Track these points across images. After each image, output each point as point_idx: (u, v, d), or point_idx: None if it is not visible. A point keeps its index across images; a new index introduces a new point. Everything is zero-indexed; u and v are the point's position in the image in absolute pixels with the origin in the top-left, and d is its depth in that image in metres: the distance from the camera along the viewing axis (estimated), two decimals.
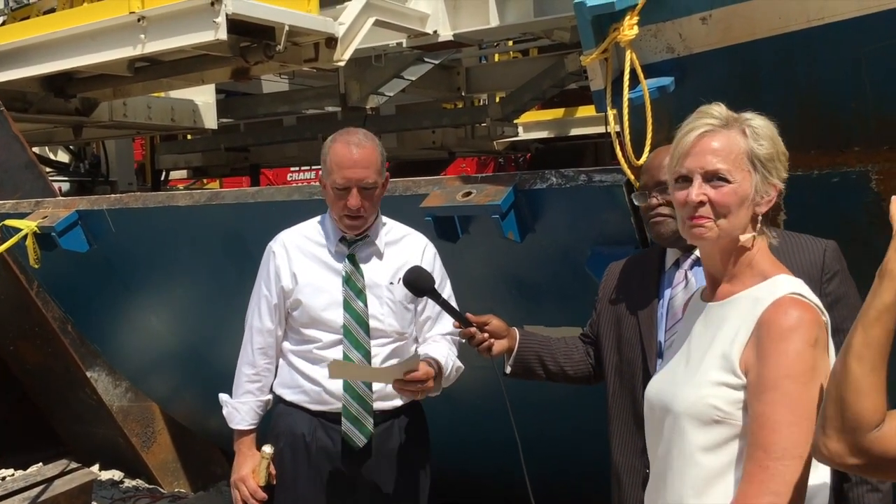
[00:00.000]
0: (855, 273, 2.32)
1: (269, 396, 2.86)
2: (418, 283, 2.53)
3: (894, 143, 2.63)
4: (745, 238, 1.68)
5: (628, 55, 2.70)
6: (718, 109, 1.73)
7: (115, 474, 6.19)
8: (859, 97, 2.60)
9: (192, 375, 5.26)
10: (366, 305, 2.71)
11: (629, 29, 2.67)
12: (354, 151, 2.64)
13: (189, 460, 6.13)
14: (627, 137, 2.71)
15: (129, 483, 6.10)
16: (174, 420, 6.03)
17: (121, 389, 5.98)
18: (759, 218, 1.70)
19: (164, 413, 6.05)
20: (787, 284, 1.63)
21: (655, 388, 1.79)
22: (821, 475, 1.63)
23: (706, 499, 1.61)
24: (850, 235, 2.54)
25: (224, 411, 2.85)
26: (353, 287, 2.71)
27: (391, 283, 2.75)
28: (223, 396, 2.87)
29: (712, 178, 1.67)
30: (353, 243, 2.76)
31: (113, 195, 5.06)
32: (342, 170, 2.63)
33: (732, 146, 1.68)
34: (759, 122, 1.71)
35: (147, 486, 6.03)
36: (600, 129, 8.21)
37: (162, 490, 5.93)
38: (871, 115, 2.62)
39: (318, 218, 2.86)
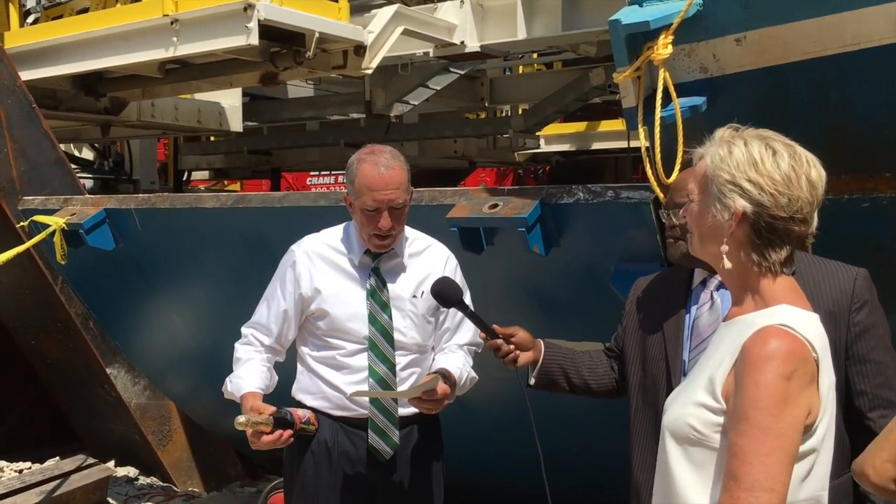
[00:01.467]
0: (883, 299, 2.32)
1: (271, 369, 2.80)
2: (446, 293, 2.55)
3: None
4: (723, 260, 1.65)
5: (661, 74, 2.72)
6: (720, 132, 1.72)
7: (131, 471, 6.23)
8: (892, 123, 2.61)
9: (210, 376, 5.27)
10: (391, 318, 2.73)
11: (663, 48, 2.69)
12: (384, 173, 2.63)
13: (203, 460, 6.16)
14: (658, 155, 2.72)
15: (143, 480, 6.13)
16: (190, 419, 6.06)
17: (139, 387, 6.01)
18: (749, 242, 1.62)
19: (181, 412, 6.08)
20: (783, 315, 1.59)
21: (668, 399, 1.81)
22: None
23: None
24: (879, 261, 2.55)
25: (229, 389, 2.77)
26: (379, 300, 2.73)
27: (414, 297, 2.77)
28: (226, 381, 2.82)
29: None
30: (378, 256, 2.78)
31: (141, 195, 5.11)
32: (372, 192, 2.63)
33: (700, 168, 1.70)
34: (735, 145, 1.63)
35: (161, 483, 6.06)
36: (622, 144, 8.24)
37: (175, 488, 5.96)
38: None
39: (342, 226, 2.87)
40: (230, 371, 2.86)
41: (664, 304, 2.43)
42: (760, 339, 1.55)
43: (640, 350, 2.45)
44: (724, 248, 1.64)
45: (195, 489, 6.01)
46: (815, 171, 1.62)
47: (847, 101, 2.66)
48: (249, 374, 2.75)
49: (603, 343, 2.70)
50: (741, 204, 1.60)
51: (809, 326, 1.60)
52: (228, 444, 6.10)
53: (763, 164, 1.60)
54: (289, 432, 2.60)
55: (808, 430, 1.55)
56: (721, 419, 1.58)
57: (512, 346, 2.47)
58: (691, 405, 1.62)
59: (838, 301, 2.15)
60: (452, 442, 2.98)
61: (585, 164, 9.35)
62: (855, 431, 2.18)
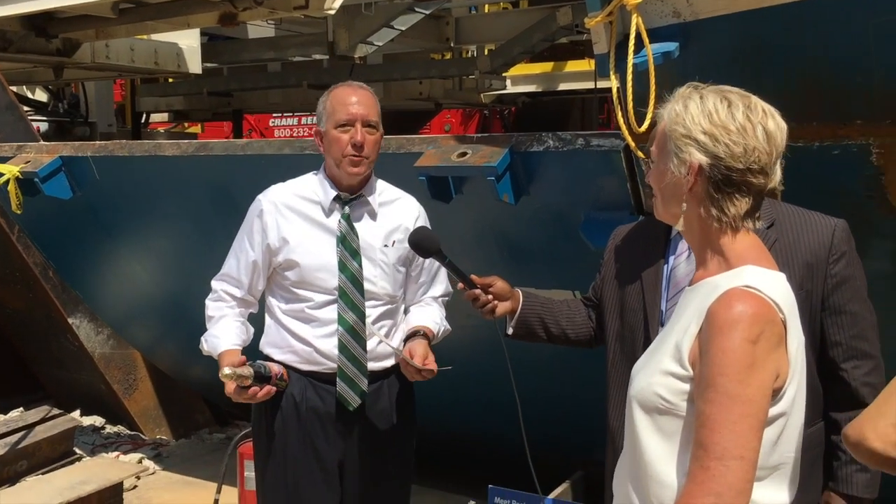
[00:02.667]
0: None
1: (246, 322, 2.79)
2: (424, 244, 2.51)
3: None
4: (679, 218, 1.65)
5: (634, 19, 2.65)
6: (680, 90, 1.68)
7: (97, 420, 6.20)
8: (865, 70, 2.58)
9: (175, 325, 5.24)
10: (361, 266, 2.68)
11: None
12: (357, 90, 2.70)
13: (171, 408, 6.15)
14: (630, 103, 2.67)
15: (110, 429, 6.11)
16: (156, 368, 6.03)
17: (103, 336, 5.95)
18: (707, 197, 1.59)
19: (147, 361, 6.04)
20: (748, 276, 1.56)
21: (635, 365, 1.79)
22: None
23: (648, 481, 1.61)
24: (848, 209, 2.54)
25: (205, 348, 2.74)
26: (349, 247, 2.68)
27: (385, 246, 2.72)
28: (202, 339, 2.79)
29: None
30: (348, 202, 2.72)
31: (98, 142, 4.96)
32: (346, 106, 2.65)
33: (659, 128, 1.69)
34: (691, 100, 1.62)
35: (129, 432, 6.04)
36: (589, 85, 8.15)
37: (143, 437, 5.95)
38: (876, 89, 2.61)
39: (310, 175, 2.81)
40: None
41: (642, 253, 2.41)
42: (725, 302, 1.52)
43: (618, 299, 2.44)
44: (684, 206, 1.61)
45: (163, 437, 6.01)
46: (772, 121, 1.59)
47: (821, 47, 2.63)
48: (225, 332, 2.72)
49: (572, 292, 2.69)
50: (697, 157, 1.58)
51: (776, 286, 1.57)
52: (196, 392, 6.09)
53: (717, 115, 1.57)
54: (270, 388, 2.60)
55: (777, 394, 1.53)
56: (688, 386, 1.55)
57: (490, 296, 2.44)
58: (658, 374, 1.60)
59: (816, 252, 2.14)
60: (424, 390, 2.98)
61: (552, 105, 9.26)
62: (828, 381, 2.19)
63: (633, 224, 2.56)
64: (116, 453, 5.58)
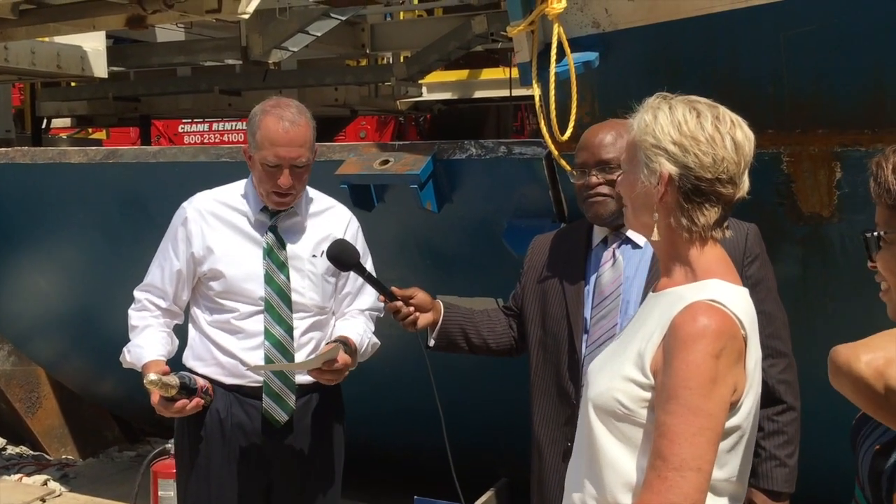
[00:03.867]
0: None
1: (171, 333, 2.70)
2: (343, 257, 2.46)
3: (805, 127, 2.73)
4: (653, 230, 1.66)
5: (555, 28, 2.67)
6: (649, 100, 1.70)
7: None
8: (776, 81, 2.67)
9: (82, 339, 5.04)
10: (288, 279, 2.62)
11: (557, 2, 2.64)
12: (289, 128, 2.51)
13: (77, 426, 5.89)
14: (553, 112, 2.69)
15: (12, 450, 5.83)
16: (61, 385, 5.78)
17: (3, 353, 5.67)
18: (678, 207, 1.60)
19: (51, 377, 5.79)
20: (713, 289, 1.58)
21: (590, 368, 1.80)
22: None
23: (601, 485, 1.62)
24: (760, 215, 2.63)
25: (128, 359, 2.63)
26: (276, 260, 2.61)
27: (314, 256, 2.66)
28: (123, 350, 2.67)
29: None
30: (276, 214, 2.65)
31: None
32: (274, 147, 2.50)
33: (629, 138, 1.68)
34: (660, 110, 1.62)
35: (32, 453, 5.77)
36: (504, 93, 8.22)
37: (48, 457, 5.69)
38: (786, 99, 2.70)
39: (238, 183, 2.72)
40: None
41: (564, 261, 2.43)
42: (690, 315, 1.53)
43: (539, 308, 2.45)
44: (655, 216, 1.62)
45: (70, 457, 5.75)
46: (740, 131, 1.60)
47: (735, 58, 2.71)
48: (149, 342, 2.61)
49: (496, 299, 2.69)
50: (667, 167, 1.58)
51: (739, 302, 1.59)
52: (104, 408, 5.86)
53: (686, 126, 1.58)
54: (199, 400, 2.50)
55: (732, 407, 1.55)
56: (649, 395, 1.57)
57: (412, 309, 2.42)
58: (619, 379, 1.60)
59: (732, 254, 2.18)
60: (348, 400, 2.93)
61: (467, 112, 9.31)
62: None
63: (553, 232, 2.58)
64: (19, 475, 5.32)
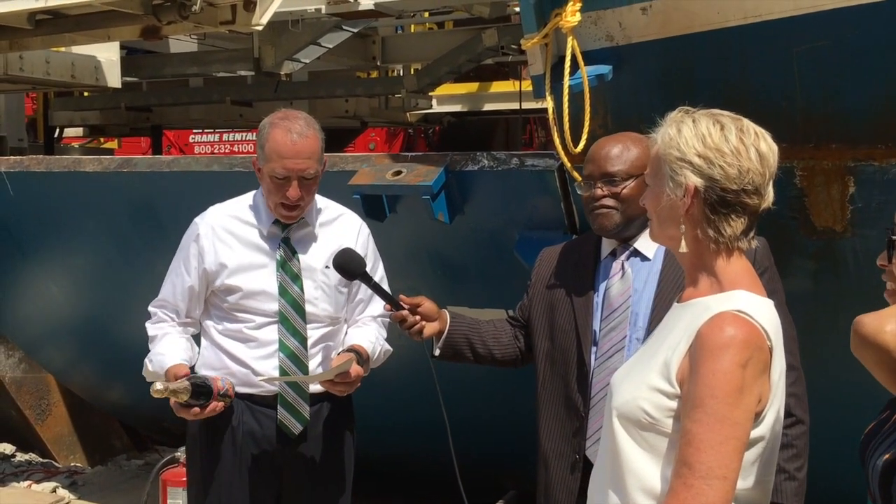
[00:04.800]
0: (777, 264, 2.40)
1: (191, 339, 2.71)
2: (349, 266, 2.47)
3: (819, 141, 2.73)
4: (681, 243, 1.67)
5: (569, 41, 2.69)
6: (672, 114, 1.71)
7: (7, 448, 5.91)
8: (789, 95, 2.68)
9: (93, 347, 5.05)
10: (302, 290, 2.62)
11: (571, 15, 2.66)
12: (297, 140, 2.51)
13: (86, 434, 5.90)
14: (567, 124, 2.71)
15: (21, 457, 5.84)
16: (71, 392, 5.80)
17: (14, 360, 5.69)
18: (704, 218, 1.62)
19: (61, 385, 5.80)
20: (739, 300, 1.59)
21: (613, 377, 1.81)
22: None
23: (625, 493, 1.63)
24: (773, 229, 2.63)
25: (150, 368, 2.64)
26: (289, 272, 2.62)
27: (326, 267, 2.66)
28: (145, 361, 2.69)
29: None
30: (287, 226, 2.66)
31: (13, 157, 4.76)
32: (283, 159, 2.50)
33: (652, 151, 1.70)
34: (684, 124, 1.64)
35: (41, 460, 5.78)
36: (513, 105, 8.25)
37: (57, 465, 5.70)
38: (799, 114, 2.71)
39: (249, 195, 2.73)
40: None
41: (573, 274, 2.43)
42: (717, 325, 1.55)
43: (547, 320, 2.45)
44: (682, 228, 1.63)
45: (78, 464, 5.76)
46: (764, 143, 1.62)
47: (747, 72, 2.72)
48: (169, 349, 2.63)
49: (506, 311, 2.69)
50: (693, 180, 1.60)
51: (764, 313, 1.61)
52: (112, 416, 5.88)
53: (711, 138, 1.59)
54: (216, 404, 2.47)
55: (756, 418, 1.56)
56: (675, 404, 1.58)
57: (418, 317, 2.42)
58: (644, 388, 1.61)
59: None
60: (357, 411, 2.94)
61: (477, 125, 9.35)
62: None
63: (561, 245, 2.59)
64: (29, 482, 5.33)
